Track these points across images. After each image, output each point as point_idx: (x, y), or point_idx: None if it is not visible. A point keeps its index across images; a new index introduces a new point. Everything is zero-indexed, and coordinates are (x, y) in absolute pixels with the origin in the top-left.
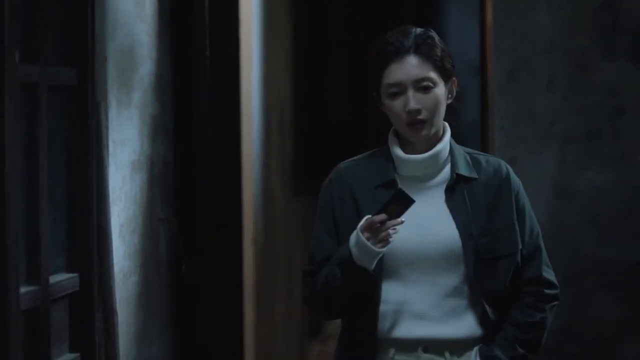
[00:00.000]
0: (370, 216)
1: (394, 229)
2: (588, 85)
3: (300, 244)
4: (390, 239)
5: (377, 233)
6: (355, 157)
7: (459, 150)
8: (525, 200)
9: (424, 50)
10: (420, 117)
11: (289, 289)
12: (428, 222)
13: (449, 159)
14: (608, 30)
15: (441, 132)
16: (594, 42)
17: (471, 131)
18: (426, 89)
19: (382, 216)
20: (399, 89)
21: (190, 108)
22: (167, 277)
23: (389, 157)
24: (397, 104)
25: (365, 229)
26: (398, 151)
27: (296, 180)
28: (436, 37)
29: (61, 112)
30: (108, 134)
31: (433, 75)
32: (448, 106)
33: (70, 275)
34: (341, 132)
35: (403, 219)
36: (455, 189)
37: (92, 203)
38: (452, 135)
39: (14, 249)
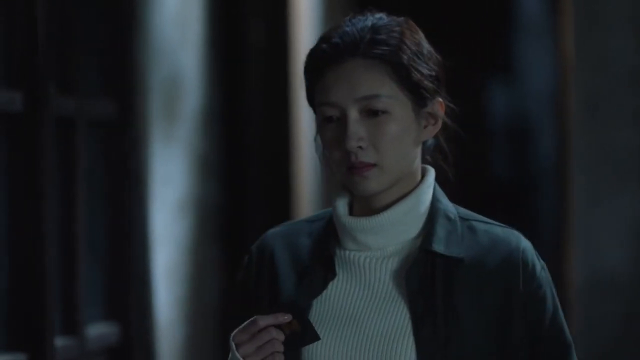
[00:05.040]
0: (258, 317)
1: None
2: None
3: None
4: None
5: (258, 344)
6: (294, 220)
7: (446, 212)
8: (548, 301)
9: (378, 50)
10: (366, 159)
11: None
12: (372, 333)
13: (426, 225)
14: None
15: (414, 182)
16: None
17: (544, 173)
18: (377, 114)
19: (268, 319)
20: (335, 113)
21: (240, 144)
22: (214, 327)
23: (332, 221)
24: (330, 137)
25: (241, 335)
26: (340, 211)
27: None
28: (405, 29)
29: (99, 148)
30: (150, 171)
31: (390, 91)
32: (432, 144)
33: (109, 325)
34: None
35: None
36: (424, 275)
37: (132, 247)
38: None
39: (50, 296)
